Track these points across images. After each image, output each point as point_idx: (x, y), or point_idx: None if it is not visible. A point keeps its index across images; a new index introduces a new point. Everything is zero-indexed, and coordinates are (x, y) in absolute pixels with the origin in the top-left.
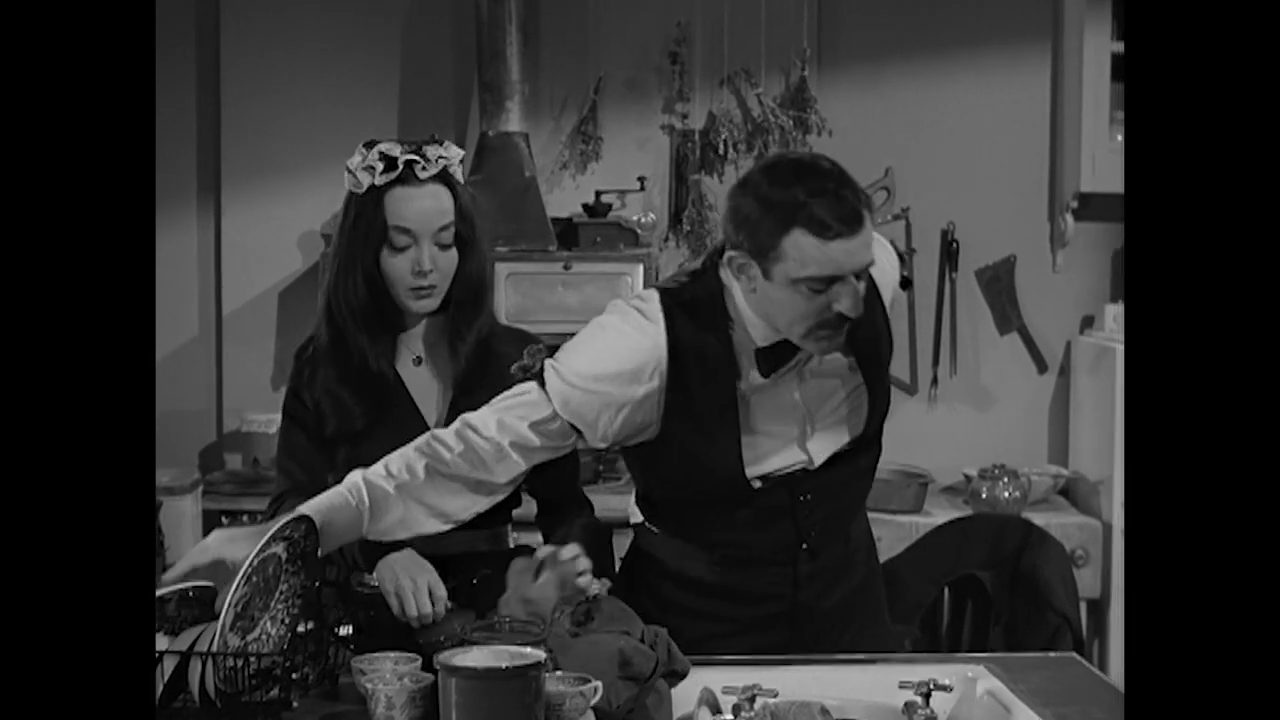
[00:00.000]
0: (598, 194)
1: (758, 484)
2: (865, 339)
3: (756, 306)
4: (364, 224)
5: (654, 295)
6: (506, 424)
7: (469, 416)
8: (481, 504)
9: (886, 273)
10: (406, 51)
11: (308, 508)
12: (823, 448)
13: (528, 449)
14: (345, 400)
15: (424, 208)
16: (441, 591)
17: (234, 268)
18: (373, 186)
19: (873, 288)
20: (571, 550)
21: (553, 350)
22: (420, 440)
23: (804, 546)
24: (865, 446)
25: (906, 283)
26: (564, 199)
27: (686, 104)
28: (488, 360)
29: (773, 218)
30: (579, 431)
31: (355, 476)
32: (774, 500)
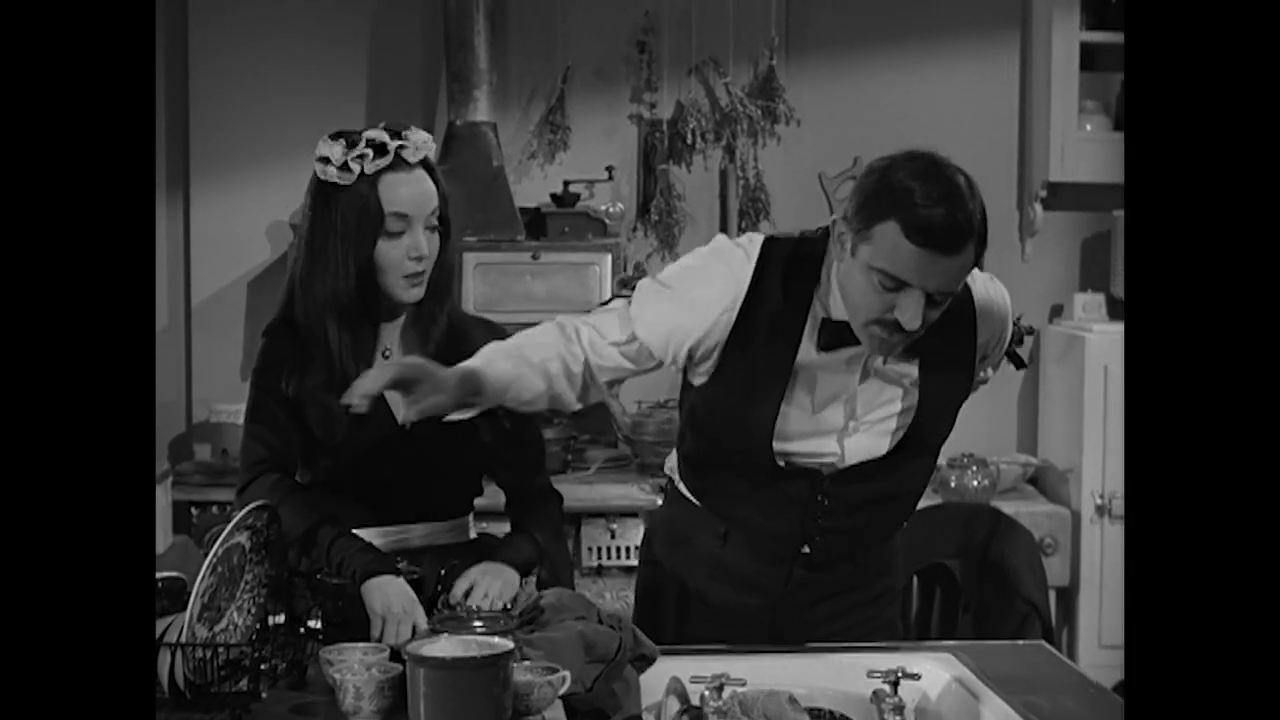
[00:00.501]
0: (566, 184)
1: (782, 463)
2: (937, 367)
3: (840, 278)
4: (355, 213)
5: (759, 239)
6: (594, 338)
7: (576, 320)
8: (570, 399)
9: (992, 325)
10: (374, 41)
11: (486, 356)
12: (857, 449)
13: (606, 368)
14: (333, 408)
15: (417, 192)
16: (424, 627)
17: (203, 258)
18: (363, 174)
19: (967, 327)
20: (460, 589)
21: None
22: (550, 328)
23: (805, 550)
24: (898, 472)
25: (1020, 362)
26: (532, 189)
27: (654, 94)
28: (460, 346)
29: (881, 200)
30: (653, 355)
31: (545, 354)
32: (792, 488)
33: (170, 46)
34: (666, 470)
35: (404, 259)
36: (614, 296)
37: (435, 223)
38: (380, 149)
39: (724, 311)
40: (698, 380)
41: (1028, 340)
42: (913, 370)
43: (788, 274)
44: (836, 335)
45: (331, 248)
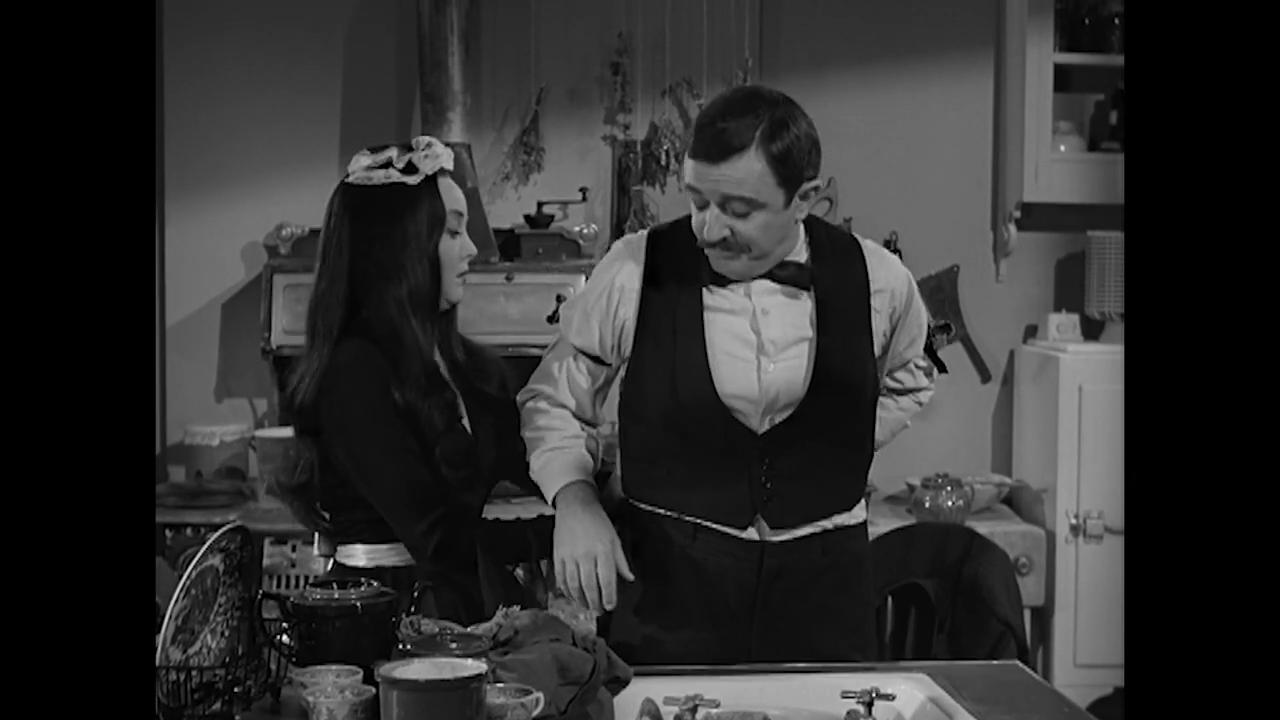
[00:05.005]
0: (540, 205)
1: (724, 404)
2: (830, 297)
3: None
4: (426, 212)
5: (645, 231)
6: (563, 370)
7: (537, 379)
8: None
9: (888, 273)
10: (348, 63)
11: (578, 471)
12: (775, 382)
13: (581, 387)
14: (425, 412)
15: (461, 195)
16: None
17: (177, 279)
18: (427, 175)
19: (856, 264)
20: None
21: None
22: (531, 412)
23: (759, 519)
24: (824, 424)
25: (940, 365)
26: (506, 210)
27: (628, 115)
28: (469, 345)
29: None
30: (591, 357)
31: (572, 431)
32: (735, 459)
33: None
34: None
35: (458, 258)
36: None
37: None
38: (432, 150)
39: (627, 274)
40: (628, 364)
41: (942, 339)
42: (799, 299)
43: (676, 232)
44: (715, 274)
45: (406, 247)
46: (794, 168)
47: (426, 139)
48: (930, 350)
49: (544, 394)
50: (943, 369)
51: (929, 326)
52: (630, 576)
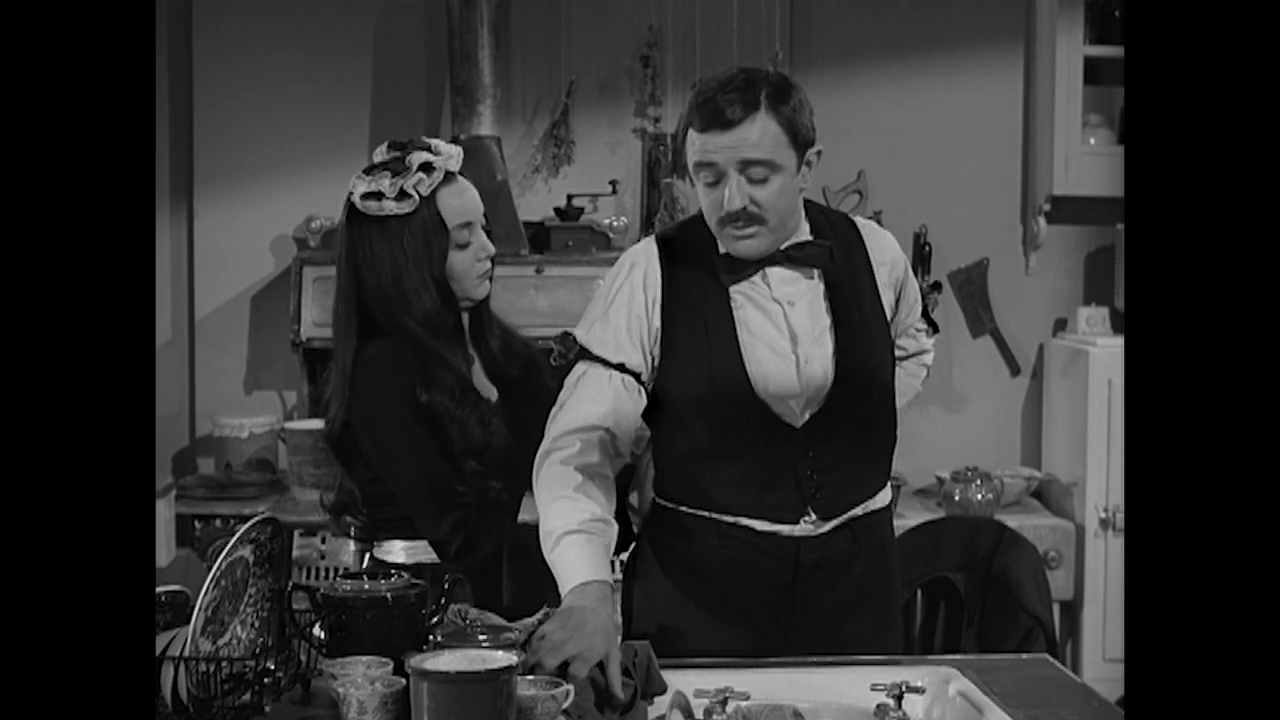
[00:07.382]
0: (569, 198)
1: (763, 403)
2: (840, 281)
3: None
4: (424, 237)
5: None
6: (609, 390)
7: (568, 422)
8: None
9: (884, 248)
10: (378, 55)
11: (600, 567)
12: (812, 377)
13: (638, 405)
14: (462, 418)
15: (470, 199)
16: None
17: (206, 271)
18: (422, 197)
19: (857, 246)
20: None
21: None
22: (557, 468)
23: (810, 513)
24: (854, 410)
25: (934, 326)
26: (536, 202)
27: (659, 107)
28: (513, 345)
29: (685, 118)
30: (634, 373)
31: (600, 505)
32: (779, 449)
33: (174, 59)
34: (641, 501)
35: (474, 261)
36: (561, 382)
37: (484, 222)
38: (428, 168)
39: (648, 283)
40: (659, 370)
41: (934, 299)
42: (819, 286)
43: (686, 234)
44: (733, 264)
45: (408, 275)
46: (802, 129)
47: (421, 157)
48: (925, 312)
49: (578, 438)
50: (936, 329)
51: (921, 289)
52: (622, 698)
